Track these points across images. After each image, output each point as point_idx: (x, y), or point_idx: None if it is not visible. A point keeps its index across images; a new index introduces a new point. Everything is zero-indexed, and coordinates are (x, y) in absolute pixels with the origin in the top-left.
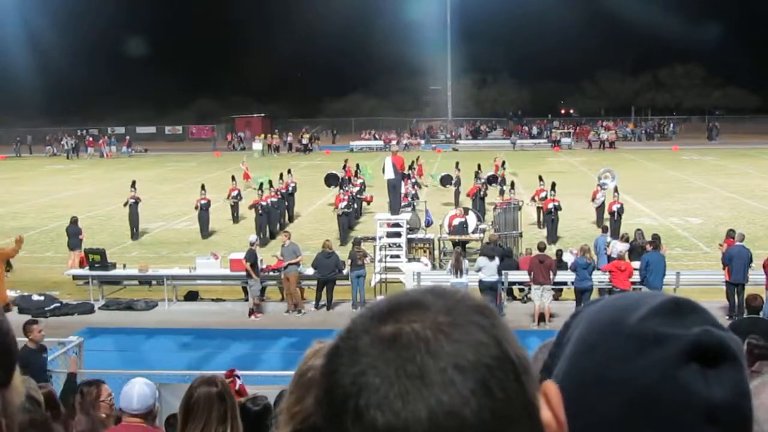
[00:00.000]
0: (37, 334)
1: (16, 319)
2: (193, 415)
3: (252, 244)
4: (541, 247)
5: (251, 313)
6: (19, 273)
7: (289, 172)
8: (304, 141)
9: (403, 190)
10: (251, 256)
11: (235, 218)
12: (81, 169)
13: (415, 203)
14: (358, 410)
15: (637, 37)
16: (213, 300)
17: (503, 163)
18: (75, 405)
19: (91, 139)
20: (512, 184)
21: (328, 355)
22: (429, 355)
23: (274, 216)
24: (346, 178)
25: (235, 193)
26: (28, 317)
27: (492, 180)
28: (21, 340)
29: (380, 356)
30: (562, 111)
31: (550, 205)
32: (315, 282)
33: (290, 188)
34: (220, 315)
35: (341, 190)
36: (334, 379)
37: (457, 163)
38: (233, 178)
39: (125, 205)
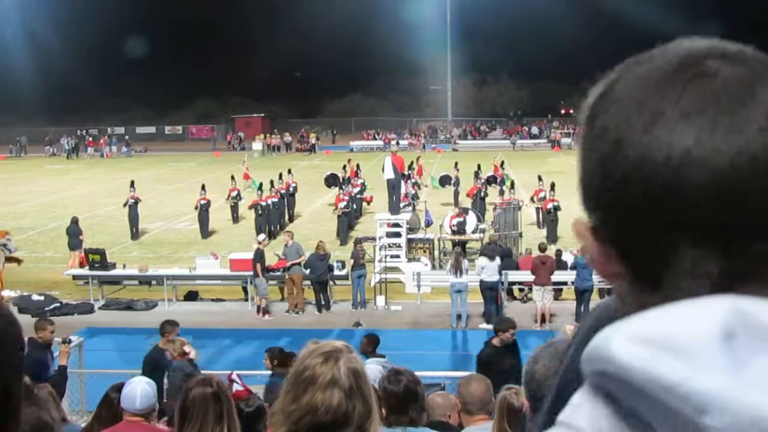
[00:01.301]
0: (176, 344)
1: None
2: (189, 416)
3: (260, 243)
4: (542, 248)
5: (260, 311)
6: (19, 273)
7: (289, 172)
8: (312, 141)
9: (403, 190)
10: (259, 256)
11: (235, 218)
12: (81, 169)
13: (415, 203)
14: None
15: (637, 37)
16: (213, 300)
17: (502, 163)
18: (102, 412)
19: (91, 139)
20: (512, 184)
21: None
22: (748, 100)
23: (274, 216)
24: (347, 178)
25: (234, 193)
26: (27, 317)
27: (491, 180)
28: None
29: (692, 96)
30: (562, 111)
31: (550, 205)
32: (310, 283)
33: (291, 188)
34: (220, 315)
35: (341, 191)
36: (620, 127)
37: (456, 164)
38: (233, 177)
39: (125, 205)
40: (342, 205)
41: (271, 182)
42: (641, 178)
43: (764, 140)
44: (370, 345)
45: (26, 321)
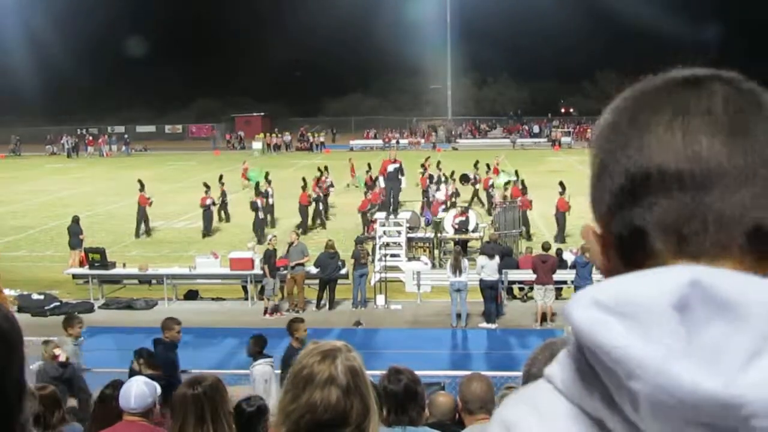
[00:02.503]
0: (302, 332)
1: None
2: (172, 415)
3: (268, 242)
4: (546, 247)
5: (266, 311)
6: (20, 272)
7: (326, 169)
8: (321, 139)
9: (442, 193)
10: (268, 256)
11: (222, 218)
12: (81, 168)
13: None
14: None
15: (637, 37)
16: (213, 299)
17: (485, 164)
18: (97, 409)
19: (90, 138)
20: (515, 184)
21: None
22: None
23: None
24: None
25: (218, 193)
26: (27, 316)
27: (464, 179)
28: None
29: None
30: (563, 110)
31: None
32: (316, 281)
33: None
34: (220, 314)
35: (370, 192)
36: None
37: (439, 162)
38: (221, 178)
39: (145, 206)
40: (369, 206)
41: (304, 180)
42: (626, 183)
43: (720, 152)
44: (257, 346)
45: (25, 320)
